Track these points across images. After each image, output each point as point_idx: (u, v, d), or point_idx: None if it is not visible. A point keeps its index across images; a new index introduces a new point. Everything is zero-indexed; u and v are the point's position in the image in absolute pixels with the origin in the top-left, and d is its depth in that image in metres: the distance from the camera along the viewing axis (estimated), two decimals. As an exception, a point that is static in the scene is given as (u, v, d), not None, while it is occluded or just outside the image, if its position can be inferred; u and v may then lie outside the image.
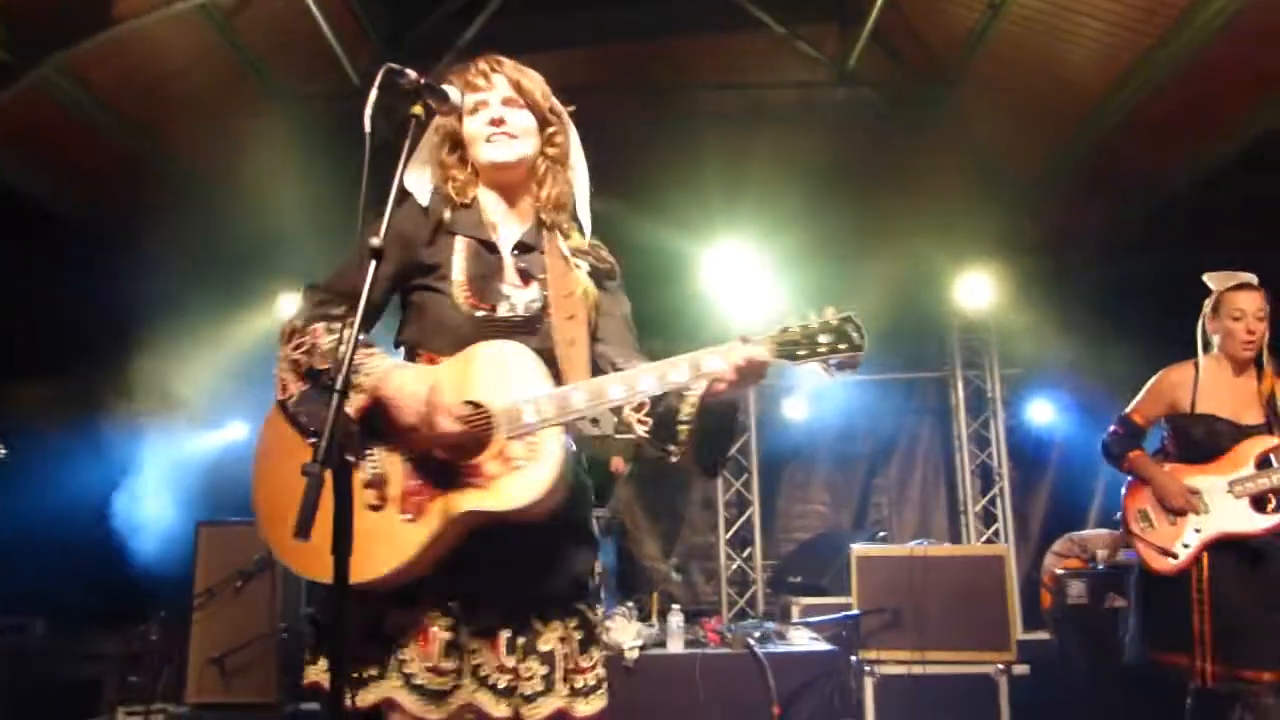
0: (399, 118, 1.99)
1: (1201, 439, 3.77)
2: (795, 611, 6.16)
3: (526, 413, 1.90)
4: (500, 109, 2.14)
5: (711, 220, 6.67)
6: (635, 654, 4.68)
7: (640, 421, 2.06)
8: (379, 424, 1.95)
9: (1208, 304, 3.98)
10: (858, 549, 5.78)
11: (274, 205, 6.05)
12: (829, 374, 1.91)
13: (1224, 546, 3.62)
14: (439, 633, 1.93)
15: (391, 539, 1.88)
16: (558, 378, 2.00)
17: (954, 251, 7.35)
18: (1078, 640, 5.37)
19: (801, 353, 1.88)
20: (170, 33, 5.48)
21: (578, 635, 2.03)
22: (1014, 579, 5.78)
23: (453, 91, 2.00)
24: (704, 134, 6.95)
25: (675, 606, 5.08)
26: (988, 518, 7.82)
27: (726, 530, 7.84)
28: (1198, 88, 5.62)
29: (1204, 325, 3.98)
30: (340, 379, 1.62)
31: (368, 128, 1.99)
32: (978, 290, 7.42)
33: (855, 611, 5.49)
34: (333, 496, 1.61)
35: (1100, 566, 5.55)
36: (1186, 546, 3.65)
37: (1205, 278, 4.04)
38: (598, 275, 2.22)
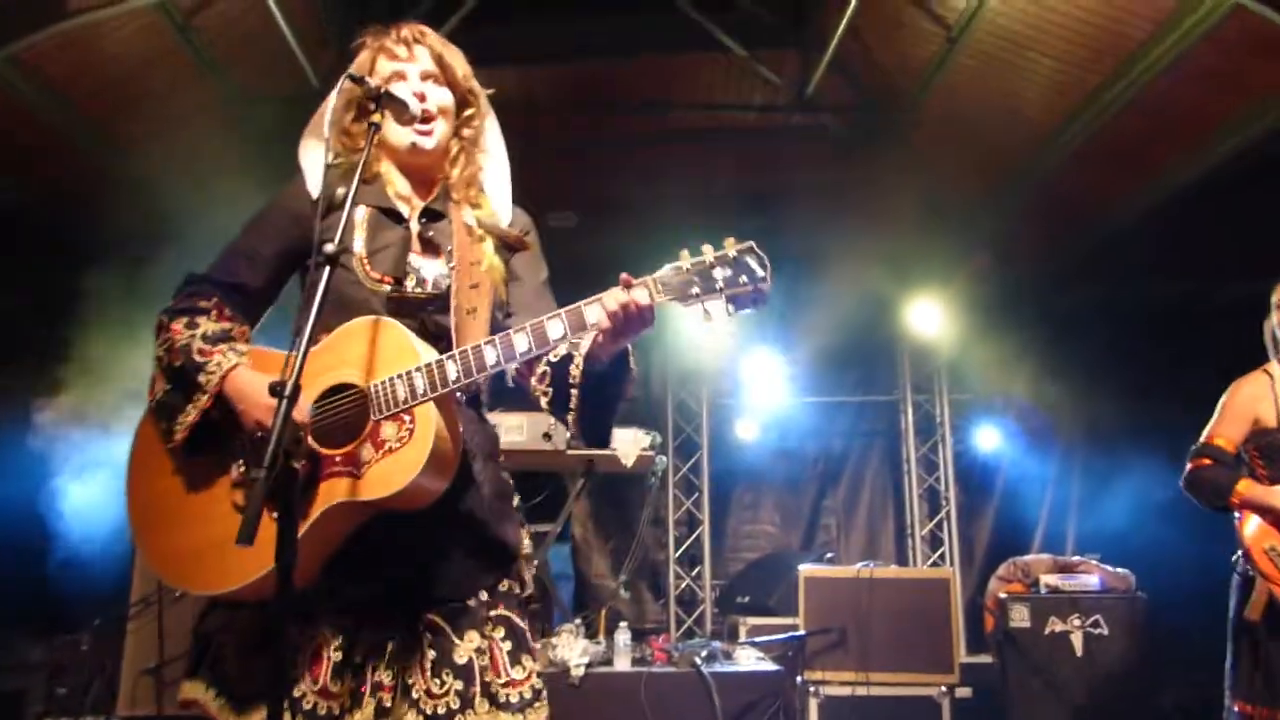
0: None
1: None
2: (742, 631, 6.16)
3: (399, 390, 1.76)
4: (420, 84, 2.03)
5: (669, 238, 6.69)
6: (581, 671, 4.66)
7: (542, 393, 1.94)
8: (228, 426, 1.83)
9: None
10: (805, 570, 5.82)
11: (227, 206, 5.95)
12: (729, 313, 1.72)
13: None
14: (331, 654, 1.79)
15: (259, 542, 1.59)
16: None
17: (906, 277, 7.46)
18: (1019, 664, 5.44)
19: (695, 291, 1.71)
20: (126, 29, 5.40)
21: (506, 645, 1.88)
22: (958, 602, 5.85)
23: (413, 103, 1.96)
24: (663, 153, 6.99)
25: (623, 624, 5.06)
26: (934, 541, 7.91)
27: (676, 549, 7.84)
28: (1145, 125, 5.78)
29: (1272, 328, 3.62)
30: (289, 385, 1.55)
31: (326, 133, 1.97)
32: (928, 316, 7.54)
33: (801, 632, 5.51)
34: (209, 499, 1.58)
35: (1043, 591, 5.62)
36: None
37: None
38: (508, 245, 2.09)
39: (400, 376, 1.76)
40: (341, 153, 2.06)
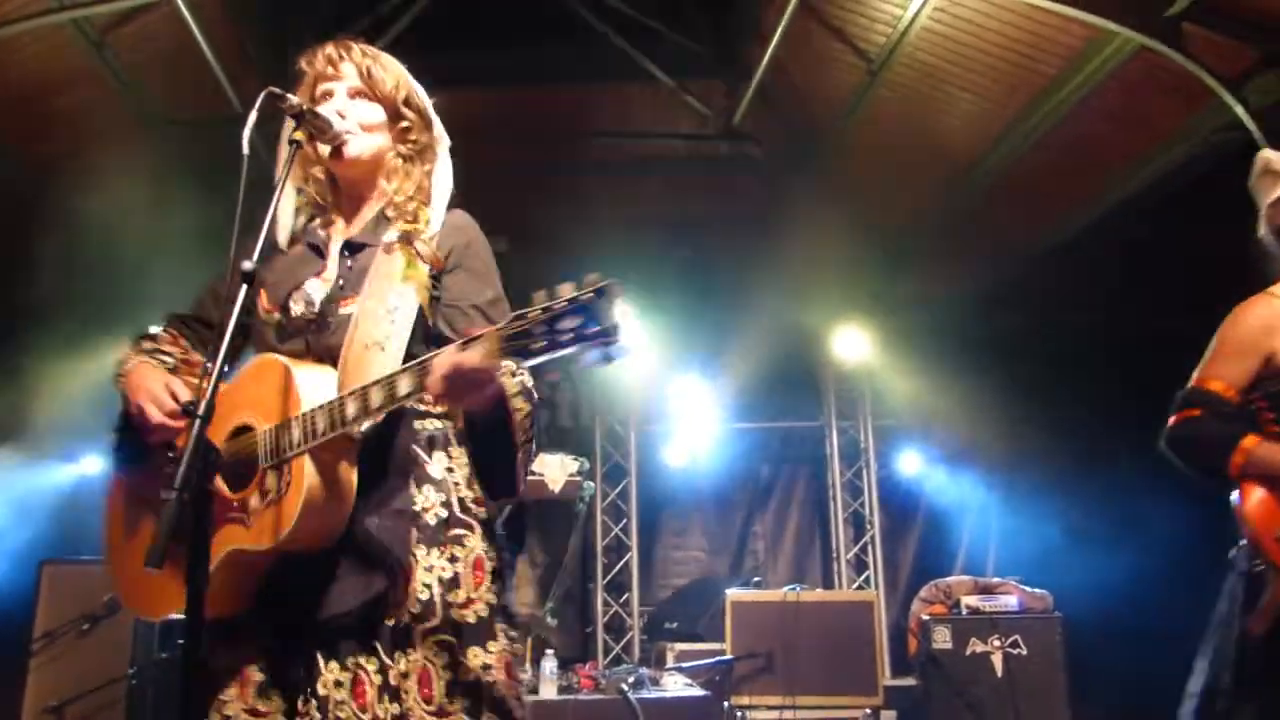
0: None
1: None
2: (670, 657, 6.16)
3: (281, 439, 1.74)
4: (345, 101, 1.99)
5: (595, 265, 6.70)
6: (506, 700, 4.60)
7: None
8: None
9: (1267, 197, 2.67)
10: (732, 594, 5.84)
11: (144, 232, 5.82)
12: (584, 364, 1.52)
13: None
14: (253, 673, 1.79)
15: (180, 578, 1.60)
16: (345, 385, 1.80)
17: (831, 304, 7.59)
18: (942, 685, 5.51)
19: (537, 345, 1.48)
20: (38, 46, 5.26)
21: (378, 679, 1.75)
22: (883, 624, 5.92)
23: (336, 120, 1.93)
24: (592, 180, 7.02)
25: (549, 652, 5.01)
26: (859, 565, 7.99)
27: (604, 576, 7.80)
28: (1058, 159, 5.99)
29: (1270, 237, 2.67)
30: (203, 405, 1.53)
31: (245, 150, 1.93)
32: (852, 342, 7.67)
33: (729, 657, 5.52)
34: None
35: (964, 612, 5.71)
36: None
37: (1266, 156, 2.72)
38: (444, 264, 1.98)
39: (283, 425, 1.75)
40: (302, 182, 2.06)
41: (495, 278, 2.04)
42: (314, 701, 1.75)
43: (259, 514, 1.74)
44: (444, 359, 1.58)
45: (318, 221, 2.06)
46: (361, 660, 1.76)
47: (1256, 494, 2.44)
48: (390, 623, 1.78)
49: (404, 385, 1.65)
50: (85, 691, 4.90)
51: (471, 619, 1.83)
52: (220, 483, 1.77)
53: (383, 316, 1.85)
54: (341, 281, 1.93)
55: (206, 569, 1.55)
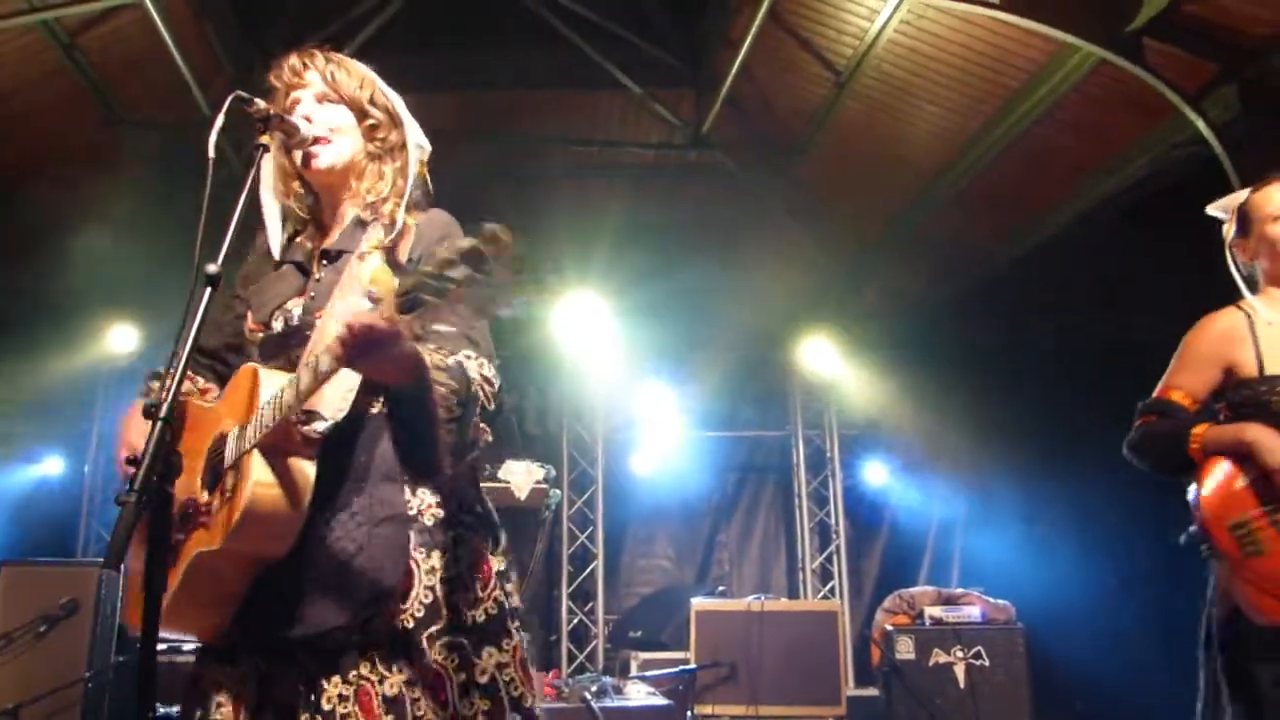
0: (250, 151, 1.93)
1: None
2: (634, 666, 6.15)
3: (240, 440, 1.73)
4: (312, 106, 2.00)
5: (564, 272, 6.71)
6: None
7: None
8: None
9: (1229, 230, 2.76)
10: (697, 603, 5.85)
11: (111, 235, 5.77)
12: (474, 319, 1.54)
13: None
14: (247, 694, 1.76)
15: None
16: None
17: (797, 314, 7.64)
18: (905, 696, 5.54)
19: (428, 296, 1.45)
20: (8, 47, 5.21)
21: (381, 689, 1.71)
22: (847, 634, 5.94)
23: (304, 125, 1.94)
24: (560, 187, 7.03)
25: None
26: (825, 574, 8.03)
27: (569, 584, 7.79)
28: (1021, 171, 6.07)
29: (1235, 260, 2.74)
30: (164, 407, 1.51)
31: (211, 154, 1.93)
32: (818, 352, 7.72)
33: (692, 666, 5.53)
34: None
35: (927, 623, 5.75)
36: None
37: (1212, 209, 2.83)
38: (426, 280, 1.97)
39: (244, 425, 1.74)
40: (283, 197, 2.06)
41: None
42: (320, 717, 1.70)
43: (216, 514, 1.73)
44: (345, 324, 1.53)
45: (301, 237, 2.07)
46: (363, 671, 1.73)
47: (1210, 482, 2.45)
48: (392, 631, 1.76)
49: (325, 362, 1.58)
50: (42, 694, 4.84)
51: (482, 618, 1.84)
52: (199, 491, 1.78)
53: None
54: (313, 294, 1.93)
55: (164, 574, 1.53)
